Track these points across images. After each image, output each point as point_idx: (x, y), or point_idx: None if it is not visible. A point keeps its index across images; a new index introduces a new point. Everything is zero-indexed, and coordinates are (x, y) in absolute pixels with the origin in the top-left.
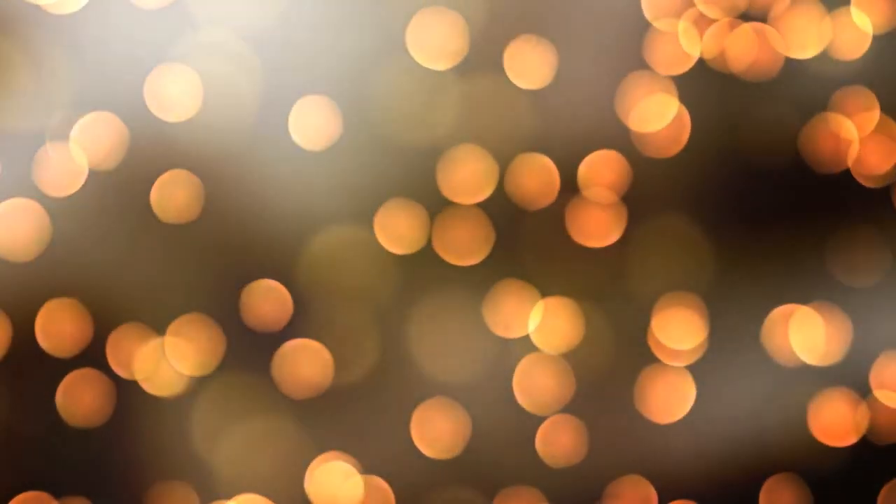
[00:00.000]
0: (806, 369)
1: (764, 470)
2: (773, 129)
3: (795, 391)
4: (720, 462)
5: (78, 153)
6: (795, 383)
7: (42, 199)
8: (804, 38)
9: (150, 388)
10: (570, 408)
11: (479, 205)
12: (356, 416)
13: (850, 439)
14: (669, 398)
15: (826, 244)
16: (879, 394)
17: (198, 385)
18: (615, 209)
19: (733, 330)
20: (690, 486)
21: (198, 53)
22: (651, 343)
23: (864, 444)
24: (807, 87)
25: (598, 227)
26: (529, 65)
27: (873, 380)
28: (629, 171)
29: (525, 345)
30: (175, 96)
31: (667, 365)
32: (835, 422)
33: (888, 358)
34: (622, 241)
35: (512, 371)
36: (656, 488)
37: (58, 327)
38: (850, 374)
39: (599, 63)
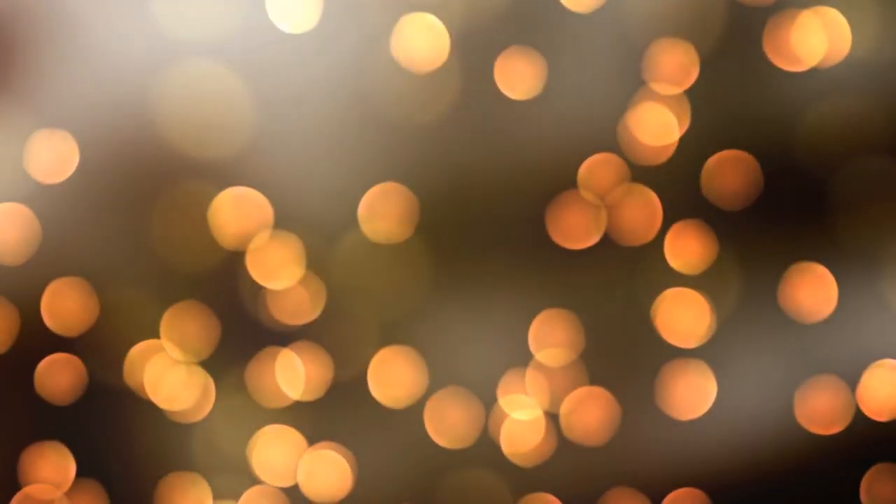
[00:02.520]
0: (802, 363)
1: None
2: (771, 127)
3: (791, 386)
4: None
5: (71, 144)
6: (791, 378)
7: (37, 190)
8: (799, 36)
9: (152, 380)
10: (574, 405)
11: (481, 207)
12: (365, 411)
13: (838, 429)
14: (674, 396)
15: (824, 243)
16: (869, 386)
17: (204, 378)
18: (612, 211)
19: (733, 326)
20: (696, 479)
21: (196, 51)
22: (659, 333)
23: (851, 432)
24: (804, 85)
25: (588, 229)
26: (519, 75)
27: (865, 373)
28: (624, 174)
29: (531, 343)
30: (174, 90)
31: (672, 364)
32: (824, 411)
33: (881, 356)
34: (620, 242)
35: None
36: (657, 485)
37: (63, 307)
38: (844, 369)
39: (591, 72)
